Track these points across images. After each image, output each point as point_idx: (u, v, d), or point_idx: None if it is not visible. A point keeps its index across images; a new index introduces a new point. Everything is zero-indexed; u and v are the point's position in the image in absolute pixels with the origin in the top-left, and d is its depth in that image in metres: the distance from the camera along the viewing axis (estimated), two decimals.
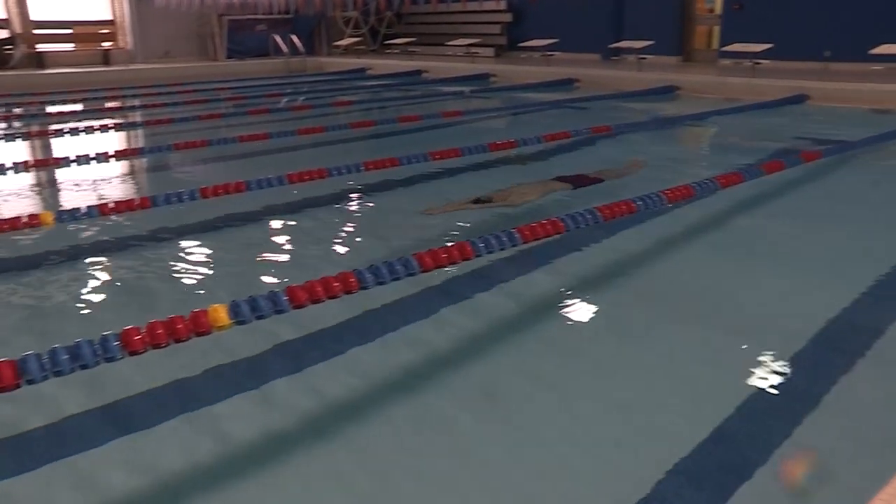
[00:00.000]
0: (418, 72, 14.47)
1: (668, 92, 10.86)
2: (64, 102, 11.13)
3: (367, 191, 5.16)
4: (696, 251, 4.03)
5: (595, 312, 3.22)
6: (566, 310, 3.23)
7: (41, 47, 15.42)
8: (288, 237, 4.34)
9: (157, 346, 2.29)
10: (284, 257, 3.97)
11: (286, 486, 2.03)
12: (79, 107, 10.84)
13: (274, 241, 4.24)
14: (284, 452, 2.19)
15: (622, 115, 9.15)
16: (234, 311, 2.43)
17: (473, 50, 16.04)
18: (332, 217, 4.60)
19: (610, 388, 2.55)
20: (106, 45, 16.52)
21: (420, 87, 12.77)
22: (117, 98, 11.36)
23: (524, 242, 3.41)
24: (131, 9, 16.40)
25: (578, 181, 5.19)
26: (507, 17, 16.86)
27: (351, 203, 4.91)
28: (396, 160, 5.42)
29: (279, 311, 2.55)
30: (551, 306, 3.27)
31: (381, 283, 2.88)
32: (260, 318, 2.49)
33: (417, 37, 17.73)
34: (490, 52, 16.60)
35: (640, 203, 3.94)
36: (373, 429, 2.29)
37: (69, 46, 16.19)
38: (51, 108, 10.94)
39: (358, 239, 4.05)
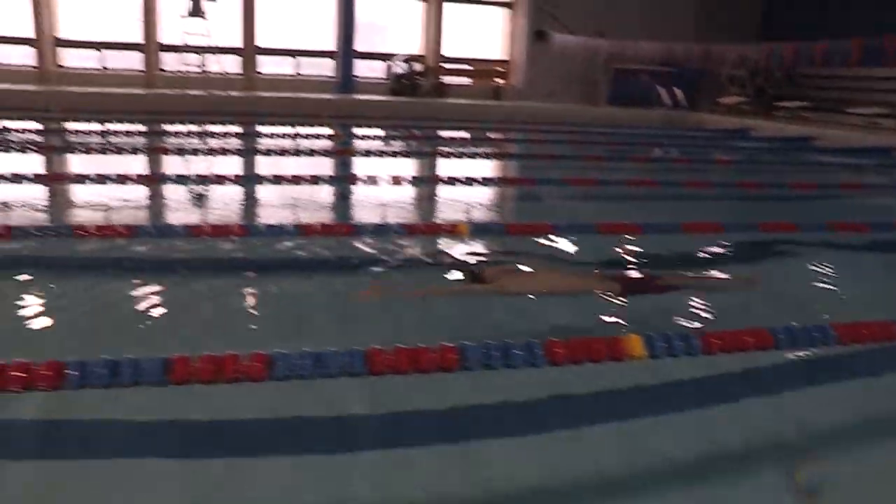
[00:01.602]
0: (806, 138, 13.54)
1: None
2: (458, 129, 12.28)
3: (758, 253, 4.90)
4: None
5: None
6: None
7: (445, 79, 17.21)
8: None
9: (574, 362, 2.40)
10: (682, 304, 3.79)
11: None
12: (468, 134, 11.89)
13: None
14: None
15: None
16: (650, 344, 2.46)
17: (876, 120, 14.58)
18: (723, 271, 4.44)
19: None
20: (499, 81, 17.93)
21: (808, 155, 11.94)
22: (504, 130, 12.26)
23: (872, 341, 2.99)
24: (527, 51, 17.63)
25: (635, 285, 4.00)
26: None
27: (741, 263, 4.69)
28: (793, 225, 5.11)
29: (690, 354, 2.52)
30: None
31: (793, 348, 2.74)
32: (671, 356, 2.49)
33: (809, 101, 16.60)
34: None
35: None
36: None
37: (467, 80, 17.84)
38: (445, 133, 12.13)
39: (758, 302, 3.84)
